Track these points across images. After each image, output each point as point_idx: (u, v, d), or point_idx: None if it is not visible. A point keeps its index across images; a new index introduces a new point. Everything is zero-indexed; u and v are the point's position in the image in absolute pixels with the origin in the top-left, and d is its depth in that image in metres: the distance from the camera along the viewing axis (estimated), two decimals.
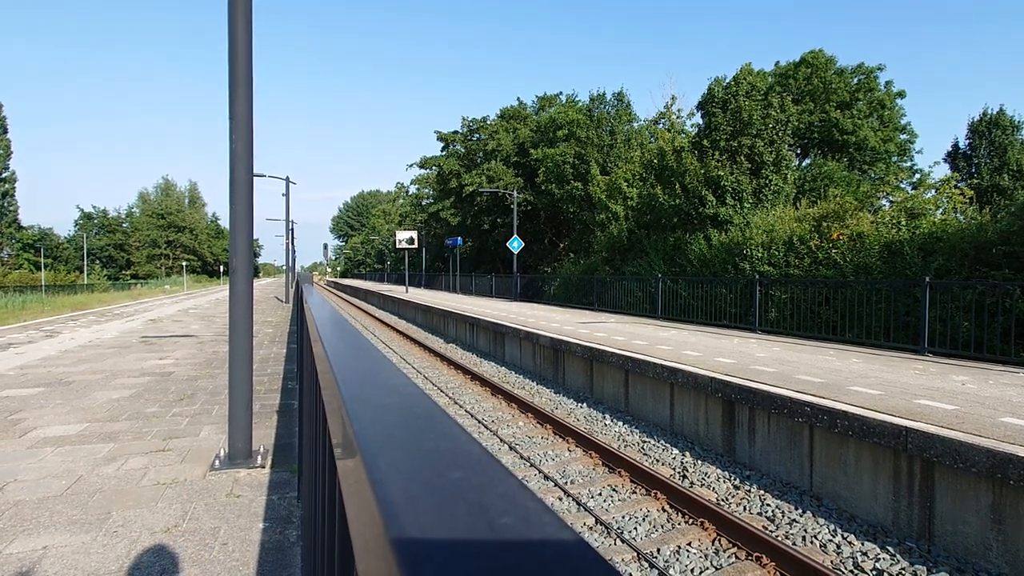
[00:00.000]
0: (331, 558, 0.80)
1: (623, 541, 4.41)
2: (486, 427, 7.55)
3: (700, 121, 19.55)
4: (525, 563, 0.24)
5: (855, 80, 30.33)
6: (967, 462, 4.01)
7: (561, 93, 40.56)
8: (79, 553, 2.94)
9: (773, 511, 4.93)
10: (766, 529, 4.60)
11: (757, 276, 12.11)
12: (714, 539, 4.45)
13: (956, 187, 15.41)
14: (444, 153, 44.65)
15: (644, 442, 6.97)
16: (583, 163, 27.13)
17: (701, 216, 16.71)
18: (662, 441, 6.94)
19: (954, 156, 33.97)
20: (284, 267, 32.56)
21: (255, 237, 4.86)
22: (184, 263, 77.98)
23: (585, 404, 8.90)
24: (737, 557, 4.19)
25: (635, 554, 4.23)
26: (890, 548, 4.25)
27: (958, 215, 13.92)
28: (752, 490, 5.42)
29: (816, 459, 5.31)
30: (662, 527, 4.70)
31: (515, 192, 28.52)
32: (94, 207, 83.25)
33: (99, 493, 3.74)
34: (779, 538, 4.38)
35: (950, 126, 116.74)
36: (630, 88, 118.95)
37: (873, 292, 9.48)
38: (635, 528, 4.66)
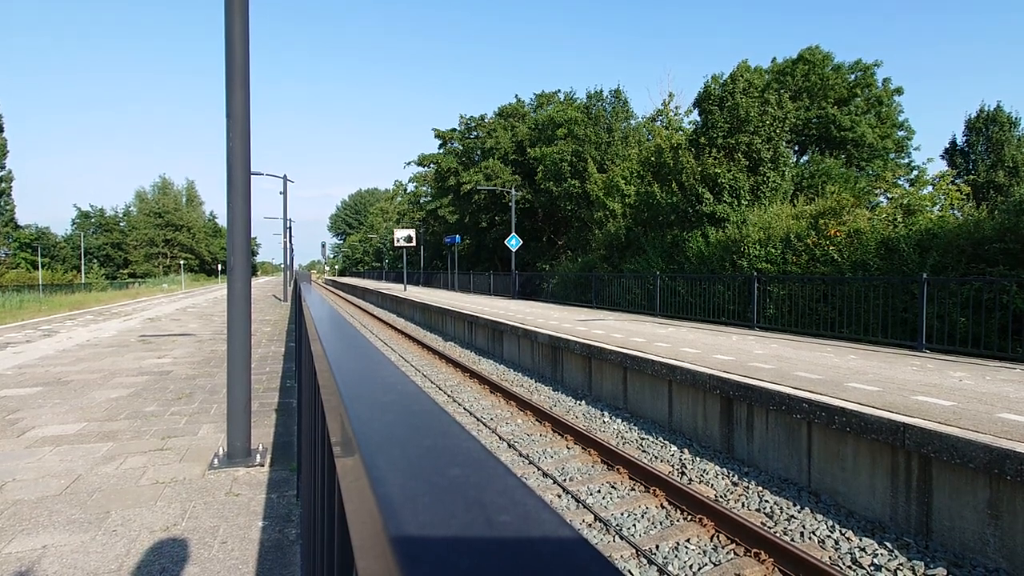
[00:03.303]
0: (331, 556, 0.80)
1: (622, 538, 4.42)
2: (485, 425, 7.56)
3: (698, 118, 19.55)
4: (524, 560, 0.24)
5: (852, 77, 30.35)
6: (964, 458, 4.03)
7: (559, 91, 40.54)
8: (78, 552, 2.94)
9: (771, 507, 4.95)
10: (764, 525, 4.61)
11: (755, 273, 12.13)
12: (713, 535, 4.47)
13: (952, 183, 15.43)
14: (442, 151, 44.61)
15: (643, 439, 6.98)
16: (581, 161, 27.13)
17: (698, 214, 16.72)
18: (661, 438, 6.95)
19: (952, 152, 34.05)
20: (282, 265, 32.53)
21: (253, 235, 4.84)
22: (182, 262, 77.95)
23: (584, 401, 8.91)
24: (736, 553, 4.21)
25: (634, 551, 4.24)
26: (888, 544, 4.26)
27: (955, 211, 13.94)
28: (750, 486, 5.44)
29: (814, 455, 5.32)
30: (661, 524, 4.71)
31: (513, 190, 28.50)
32: (91, 206, 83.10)
33: (98, 492, 3.73)
34: (777, 534, 4.40)
35: (951, 123, 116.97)
36: (628, 85, 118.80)
37: (871, 289, 9.50)
38: (634, 525, 4.67)
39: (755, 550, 4.14)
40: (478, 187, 34.52)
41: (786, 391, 5.59)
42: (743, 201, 16.26)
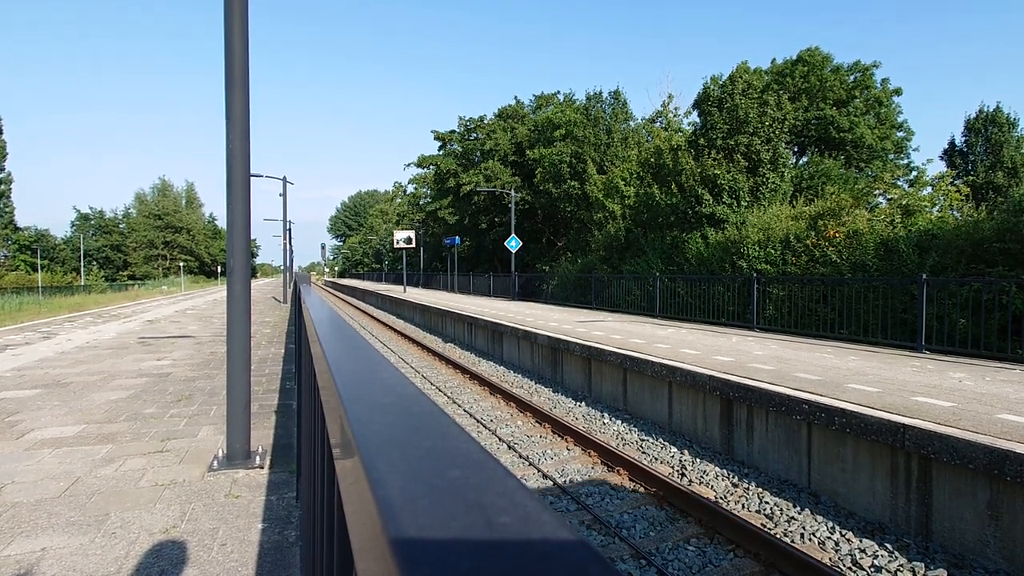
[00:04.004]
0: (330, 558, 0.80)
1: (621, 539, 4.42)
2: (485, 426, 7.55)
3: (697, 120, 19.58)
4: (524, 562, 0.24)
5: (851, 78, 30.40)
6: (964, 459, 4.03)
7: (559, 92, 40.60)
8: (77, 555, 2.94)
9: (771, 508, 4.94)
10: (764, 526, 4.61)
11: (754, 274, 12.13)
12: (712, 536, 4.46)
13: (951, 184, 15.46)
14: (442, 152, 44.65)
15: (643, 440, 6.97)
16: (580, 162, 27.16)
17: (698, 215, 16.74)
18: (660, 439, 6.95)
19: (951, 153, 34.09)
20: (282, 267, 32.53)
21: (252, 237, 4.84)
22: (181, 264, 77.97)
23: (584, 403, 8.90)
24: (736, 554, 4.20)
25: (633, 552, 4.23)
26: (888, 545, 4.26)
27: (954, 212, 13.96)
28: (750, 488, 5.43)
29: (814, 456, 5.32)
30: (660, 524, 4.71)
31: (512, 191, 28.51)
32: (91, 208, 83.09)
33: (97, 494, 3.73)
34: (777, 535, 4.39)
35: (950, 123, 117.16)
36: (628, 86, 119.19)
37: (870, 289, 9.50)
38: (633, 526, 4.67)
39: (755, 551, 4.13)
40: (478, 188, 34.54)
41: (786, 392, 5.59)
42: (742, 202, 16.28)
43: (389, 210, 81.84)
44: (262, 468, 4.21)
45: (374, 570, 0.28)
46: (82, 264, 72.94)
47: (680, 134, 25.64)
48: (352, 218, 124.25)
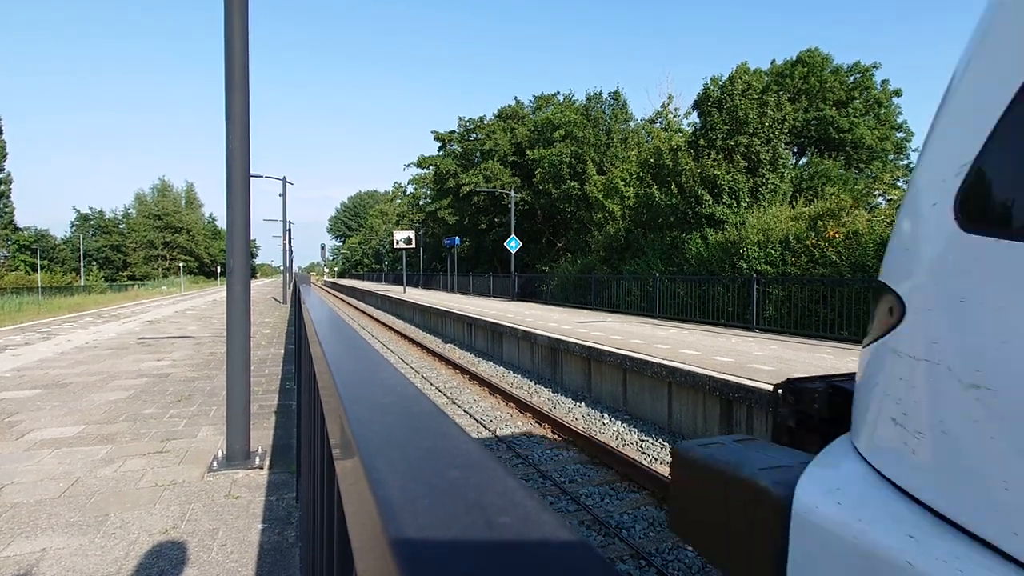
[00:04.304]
0: (330, 559, 0.80)
1: (621, 540, 4.42)
2: (484, 427, 7.55)
3: (697, 120, 19.60)
4: (524, 562, 0.24)
5: (851, 79, 30.42)
6: None
7: (559, 92, 40.63)
8: (77, 555, 2.93)
9: None
10: None
11: (754, 275, 12.14)
12: None
13: None
14: (441, 153, 44.68)
15: (642, 440, 6.97)
16: (580, 163, 27.17)
17: (697, 215, 16.75)
18: (660, 440, 6.95)
19: None
20: (281, 268, 32.53)
21: (252, 237, 4.84)
22: (181, 264, 78.05)
23: (583, 403, 8.90)
24: None
25: (633, 552, 4.23)
26: None
27: None
28: None
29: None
30: (660, 525, 4.71)
31: (512, 192, 28.52)
32: (90, 208, 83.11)
33: (97, 495, 3.73)
34: None
35: None
36: (628, 86, 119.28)
37: (870, 290, 9.50)
38: (633, 526, 4.67)
39: None
40: (477, 189, 34.55)
41: None
42: (742, 203, 16.29)
43: (389, 210, 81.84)
44: (262, 469, 4.21)
45: (374, 570, 0.28)
46: (82, 264, 72.96)
47: (680, 134, 25.63)
48: (352, 218, 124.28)
